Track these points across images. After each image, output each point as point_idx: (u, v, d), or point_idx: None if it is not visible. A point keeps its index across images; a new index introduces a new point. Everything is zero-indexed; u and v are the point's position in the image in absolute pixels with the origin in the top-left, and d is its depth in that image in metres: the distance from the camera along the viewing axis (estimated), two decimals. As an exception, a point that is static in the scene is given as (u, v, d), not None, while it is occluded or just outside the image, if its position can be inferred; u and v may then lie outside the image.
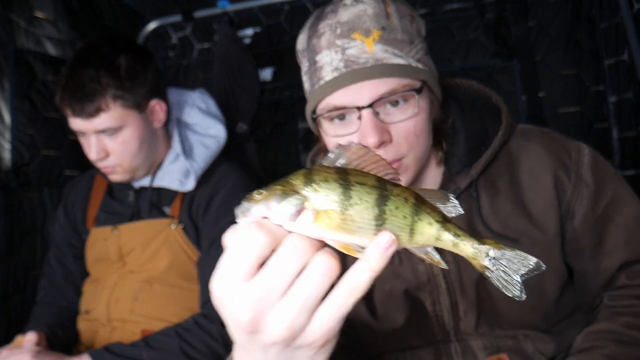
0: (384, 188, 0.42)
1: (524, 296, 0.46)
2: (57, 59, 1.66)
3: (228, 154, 1.82)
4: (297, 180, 0.42)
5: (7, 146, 1.52)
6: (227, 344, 1.30)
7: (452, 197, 0.46)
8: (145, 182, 1.42)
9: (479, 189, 0.91)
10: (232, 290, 0.42)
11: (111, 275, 1.42)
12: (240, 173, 1.47)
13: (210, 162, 1.43)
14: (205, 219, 1.39)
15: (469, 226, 0.90)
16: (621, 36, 1.42)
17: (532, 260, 0.45)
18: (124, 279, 1.40)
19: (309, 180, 0.41)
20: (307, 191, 0.40)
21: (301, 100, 1.93)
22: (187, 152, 1.43)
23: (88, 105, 1.23)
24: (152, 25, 2.06)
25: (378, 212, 0.41)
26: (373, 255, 0.41)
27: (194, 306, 1.39)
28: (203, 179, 1.41)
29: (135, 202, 1.43)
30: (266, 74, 1.95)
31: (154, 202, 1.42)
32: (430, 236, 0.44)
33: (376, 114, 0.81)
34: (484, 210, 0.90)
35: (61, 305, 1.46)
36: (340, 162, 0.44)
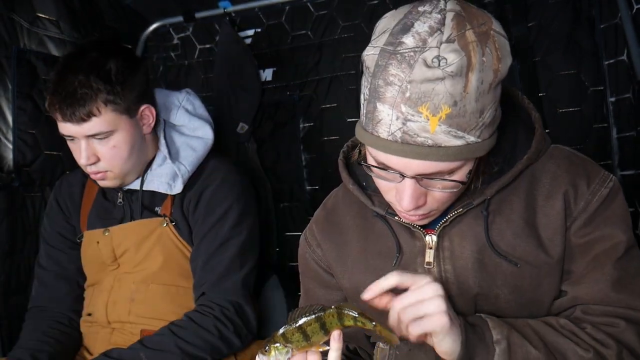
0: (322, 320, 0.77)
1: None
2: (59, 59, 1.67)
3: (228, 154, 1.82)
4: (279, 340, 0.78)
5: (9, 146, 1.53)
6: (222, 336, 1.31)
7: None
8: (134, 185, 1.42)
9: (492, 207, 0.90)
10: None
11: (107, 277, 1.42)
12: (228, 168, 1.48)
13: (197, 164, 1.44)
14: (196, 214, 1.41)
15: (475, 241, 0.90)
16: (620, 36, 1.42)
17: None
18: (120, 280, 1.41)
19: (285, 341, 0.78)
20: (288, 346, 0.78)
21: (302, 100, 1.95)
22: (174, 154, 1.43)
23: (79, 110, 1.23)
24: (153, 26, 2.07)
25: (324, 332, 0.77)
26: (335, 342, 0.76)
27: (193, 304, 1.40)
28: (192, 176, 1.43)
29: (125, 205, 1.44)
30: (267, 74, 1.96)
31: (145, 204, 1.42)
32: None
33: (419, 180, 0.80)
34: (493, 228, 0.90)
35: (51, 317, 1.44)
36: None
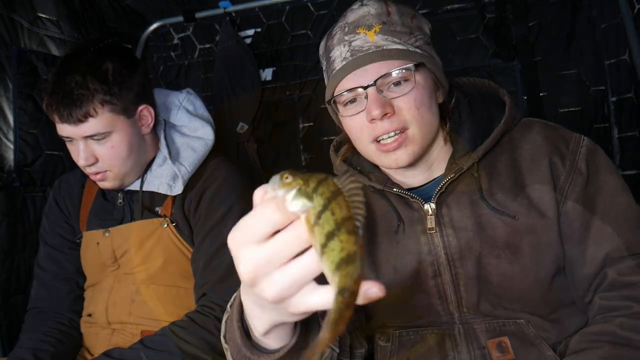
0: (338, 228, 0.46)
1: None
2: (57, 60, 1.67)
3: (227, 153, 1.81)
4: (312, 184, 0.48)
5: (10, 146, 1.53)
6: (224, 337, 1.31)
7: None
8: (134, 186, 1.42)
9: (480, 170, 0.99)
10: (243, 248, 0.50)
11: (107, 278, 1.42)
12: (229, 168, 1.46)
13: (198, 164, 1.43)
14: (197, 215, 1.40)
15: (471, 204, 0.97)
16: (621, 36, 1.42)
17: None
18: (120, 281, 1.40)
19: (316, 189, 0.47)
20: (310, 197, 0.47)
21: (301, 99, 1.95)
22: (174, 155, 1.42)
23: (76, 111, 1.22)
24: (153, 26, 2.07)
25: (324, 242, 0.46)
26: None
27: (193, 305, 1.40)
28: (193, 177, 1.41)
29: (125, 205, 1.43)
30: (267, 73, 1.96)
31: (146, 205, 1.42)
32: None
33: (380, 91, 0.94)
34: (485, 189, 0.97)
35: (51, 317, 1.44)
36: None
